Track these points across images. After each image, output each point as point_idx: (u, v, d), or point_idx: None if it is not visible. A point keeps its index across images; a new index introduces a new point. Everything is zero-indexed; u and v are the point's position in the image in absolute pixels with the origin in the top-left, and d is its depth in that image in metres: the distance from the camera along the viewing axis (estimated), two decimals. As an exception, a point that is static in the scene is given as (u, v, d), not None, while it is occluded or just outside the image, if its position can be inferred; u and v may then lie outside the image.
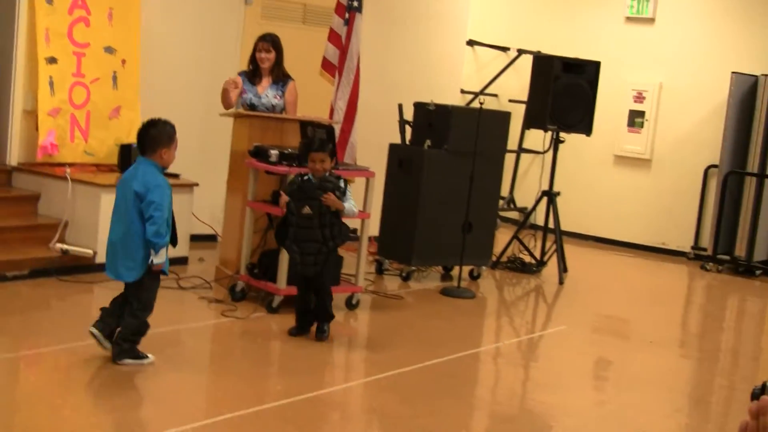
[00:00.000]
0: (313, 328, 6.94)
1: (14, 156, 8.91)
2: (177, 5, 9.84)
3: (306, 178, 6.90)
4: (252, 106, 8.44)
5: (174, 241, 6.20)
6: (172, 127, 6.17)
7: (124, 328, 6.02)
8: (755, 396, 1.57)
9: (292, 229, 6.89)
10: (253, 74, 8.51)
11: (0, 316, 6.92)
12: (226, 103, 8.35)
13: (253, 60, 8.49)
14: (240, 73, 8.61)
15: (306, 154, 6.99)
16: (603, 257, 12.38)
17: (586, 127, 10.19)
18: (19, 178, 8.89)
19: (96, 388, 5.81)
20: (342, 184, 6.87)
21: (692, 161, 12.42)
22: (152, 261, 5.95)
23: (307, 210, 6.82)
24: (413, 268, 9.36)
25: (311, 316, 6.96)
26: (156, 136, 6.07)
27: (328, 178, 6.83)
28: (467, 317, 8.33)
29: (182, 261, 8.93)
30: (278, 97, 8.48)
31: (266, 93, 8.48)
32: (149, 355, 6.09)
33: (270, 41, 8.44)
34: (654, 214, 12.75)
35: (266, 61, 8.42)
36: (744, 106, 11.71)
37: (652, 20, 12.81)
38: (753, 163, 11.62)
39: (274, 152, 7.56)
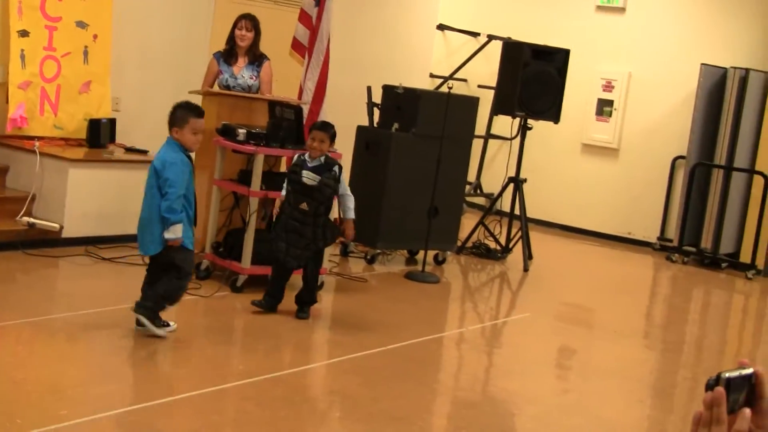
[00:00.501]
0: (283, 306, 7.02)
1: (-18, 127, 8.90)
2: (149, -19, 9.81)
3: (302, 158, 6.97)
4: (228, 87, 8.47)
5: (194, 221, 6.29)
6: (191, 109, 6.31)
7: (158, 287, 6.22)
8: (709, 387, 1.60)
9: (284, 217, 6.95)
10: (228, 54, 8.55)
11: (-36, 288, 6.94)
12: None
13: (231, 39, 8.52)
14: (215, 54, 8.63)
15: (275, 139, 7.10)
16: (568, 245, 12.47)
17: (554, 115, 10.26)
18: (-13, 150, 8.89)
19: (58, 362, 5.84)
20: (337, 171, 6.96)
21: (660, 152, 12.51)
22: (164, 236, 6.09)
23: (304, 206, 6.87)
24: (378, 251, 9.41)
25: (281, 295, 7.02)
26: (170, 116, 6.25)
27: (328, 183, 6.88)
28: (431, 302, 8.40)
29: (148, 237, 8.96)
30: (254, 78, 8.51)
31: (242, 73, 8.51)
32: (171, 323, 6.26)
33: (251, 20, 8.50)
34: (621, 204, 12.83)
35: (245, 39, 8.46)
36: (712, 97, 11.79)
37: (623, 9, 12.88)
38: (720, 155, 11.71)
39: (242, 131, 7.58)
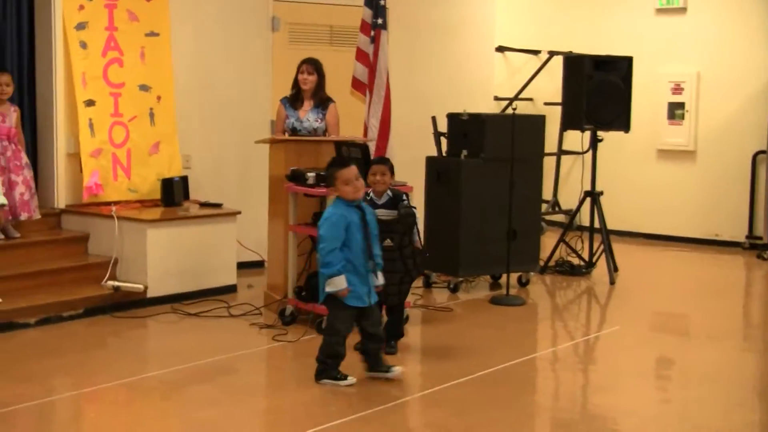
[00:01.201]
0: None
1: (62, 199, 9.11)
2: (205, 37, 9.99)
3: (369, 198, 7.01)
4: (294, 131, 8.59)
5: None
6: (335, 164, 6.57)
7: (320, 348, 6.40)
8: None
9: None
10: (294, 98, 8.67)
11: (59, 356, 7.08)
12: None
13: (295, 83, 8.65)
14: (282, 100, 8.76)
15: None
16: (654, 254, 12.31)
17: (623, 124, 10.19)
18: (68, 220, 9.09)
19: (155, 420, 5.95)
20: (407, 200, 7.06)
21: (738, 149, 12.32)
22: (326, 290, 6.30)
23: (388, 243, 6.91)
24: (460, 279, 9.41)
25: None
26: (325, 174, 6.61)
27: (408, 212, 6.94)
28: (519, 324, 8.37)
29: (231, 289, 9.07)
30: (319, 120, 8.60)
31: (307, 117, 8.62)
32: (348, 377, 6.34)
33: (313, 64, 8.62)
34: (704, 206, 12.65)
35: (309, 82, 8.56)
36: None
37: (683, 10, 12.76)
38: (799, 147, 11.54)
39: (311, 175, 7.66)
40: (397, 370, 6.43)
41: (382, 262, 6.60)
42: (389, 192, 7.03)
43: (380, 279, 6.42)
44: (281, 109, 8.78)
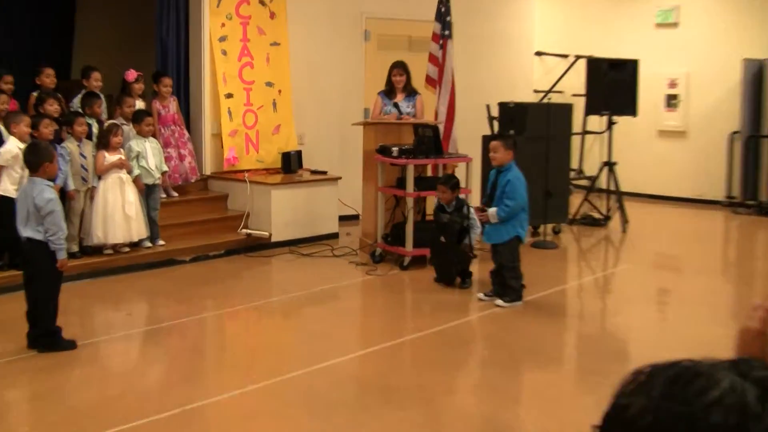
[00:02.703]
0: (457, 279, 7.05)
1: (208, 167, 9.19)
2: (315, 47, 9.95)
3: (439, 204, 7.03)
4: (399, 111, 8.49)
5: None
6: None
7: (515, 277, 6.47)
8: None
9: (435, 248, 7.07)
10: (390, 92, 8.58)
11: (207, 284, 7.18)
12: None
13: (389, 81, 8.54)
14: (379, 93, 8.64)
15: (420, 152, 7.18)
16: (655, 209, 12.08)
17: (632, 111, 9.98)
18: (213, 184, 9.18)
19: (278, 333, 6.01)
20: (465, 211, 6.91)
21: (719, 129, 12.00)
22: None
23: (442, 239, 6.94)
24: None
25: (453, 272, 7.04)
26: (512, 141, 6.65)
27: (456, 219, 6.86)
28: (553, 263, 8.27)
29: (334, 236, 9.08)
30: (410, 107, 8.51)
31: (401, 104, 8.55)
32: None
33: (401, 67, 8.49)
34: (692, 173, 12.37)
35: (400, 82, 8.47)
36: (755, 83, 11.32)
37: (676, 24, 12.41)
38: (766, 128, 11.22)
39: (395, 149, 7.62)
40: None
41: (439, 254, 6.89)
42: (453, 203, 6.96)
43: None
44: (378, 100, 8.65)
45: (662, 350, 5.51)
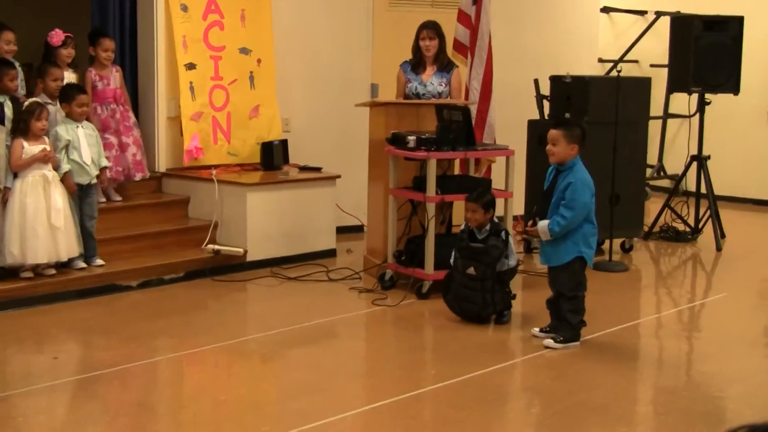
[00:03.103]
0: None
1: (162, 162, 9.30)
2: (307, 0, 10.06)
3: (471, 229, 7.06)
4: (417, 96, 8.58)
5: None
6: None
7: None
8: None
9: (455, 285, 7.06)
10: (416, 64, 8.65)
11: (161, 317, 7.26)
12: None
13: (417, 49, 8.61)
14: (402, 65, 8.74)
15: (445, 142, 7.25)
16: (763, 220, 12.10)
17: (733, 86, 10.03)
18: (169, 184, 9.29)
19: (255, 382, 6.08)
20: (504, 235, 6.98)
21: None
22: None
23: (471, 270, 6.95)
24: (563, 244, 9.36)
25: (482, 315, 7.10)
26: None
27: (495, 244, 6.91)
28: (622, 290, 8.33)
29: (331, 253, 9.17)
30: (443, 85, 8.58)
31: (431, 81, 8.60)
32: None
33: (433, 28, 8.55)
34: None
35: (431, 48, 8.53)
36: None
37: (797, -32, 12.49)
38: None
39: (411, 138, 7.66)
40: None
41: (462, 290, 6.93)
42: (488, 228, 7.02)
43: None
44: (401, 74, 8.76)
45: (769, 409, 5.56)
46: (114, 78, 8.63)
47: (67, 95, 7.80)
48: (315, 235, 9.13)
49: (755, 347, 6.90)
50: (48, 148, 7.48)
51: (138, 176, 8.76)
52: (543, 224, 6.46)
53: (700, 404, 5.65)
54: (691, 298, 8.42)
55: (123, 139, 8.62)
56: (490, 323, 7.01)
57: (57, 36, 8.27)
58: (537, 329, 6.65)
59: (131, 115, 8.78)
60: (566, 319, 6.48)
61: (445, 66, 8.61)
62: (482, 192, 7.17)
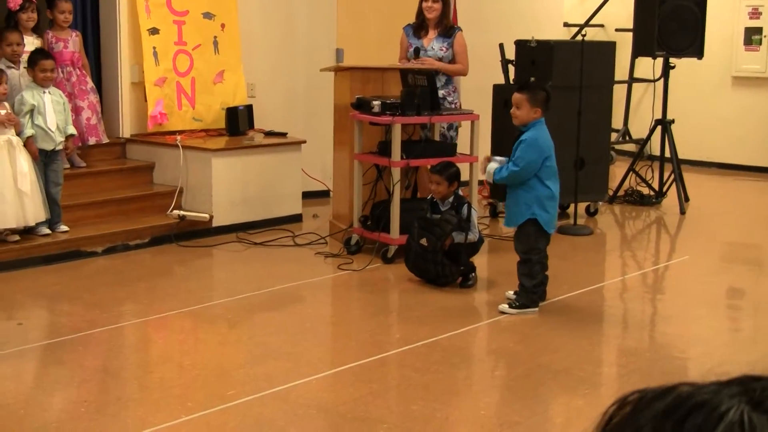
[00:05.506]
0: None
1: (126, 128, 9.25)
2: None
3: (435, 201, 7.10)
4: (417, 56, 8.54)
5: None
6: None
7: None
8: None
9: (412, 254, 7.11)
10: (419, 27, 8.64)
11: (126, 283, 7.28)
12: None
13: (420, 12, 8.61)
14: (405, 28, 8.73)
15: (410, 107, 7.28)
16: (725, 183, 12.21)
17: (697, 50, 10.10)
18: (133, 150, 9.26)
19: (221, 346, 6.12)
20: (465, 213, 6.99)
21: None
22: None
23: (423, 242, 6.99)
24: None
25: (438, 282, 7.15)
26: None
27: (448, 218, 6.94)
28: (586, 254, 8.42)
29: (296, 218, 9.19)
30: (444, 49, 8.57)
31: (432, 45, 8.58)
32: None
33: None
34: (777, 135, 12.52)
35: (434, 10, 8.50)
36: None
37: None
38: None
39: (376, 103, 7.69)
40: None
41: (417, 259, 6.96)
42: (450, 200, 7.06)
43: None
44: (403, 38, 8.74)
45: (732, 370, 5.63)
46: (73, 42, 8.59)
47: (31, 60, 7.83)
48: (281, 201, 9.14)
49: (716, 309, 7.01)
50: (9, 111, 7.46)
51: (92, 140, 8.71)
52: (492, 165, 6.54)
53: (661, 365, 5.73)
54: (654, 261, 8.52)
55: (78, 102, 8.58)
56: (456, 287, 7.06)
57: (14, 0, 8.23)
58: (511, 292, 6.66)
59: (89, 80, 8.74)
60: (520, 282, 6.50)
61: (447, 30, 8.61)
62: (447, 164, 7.19)
